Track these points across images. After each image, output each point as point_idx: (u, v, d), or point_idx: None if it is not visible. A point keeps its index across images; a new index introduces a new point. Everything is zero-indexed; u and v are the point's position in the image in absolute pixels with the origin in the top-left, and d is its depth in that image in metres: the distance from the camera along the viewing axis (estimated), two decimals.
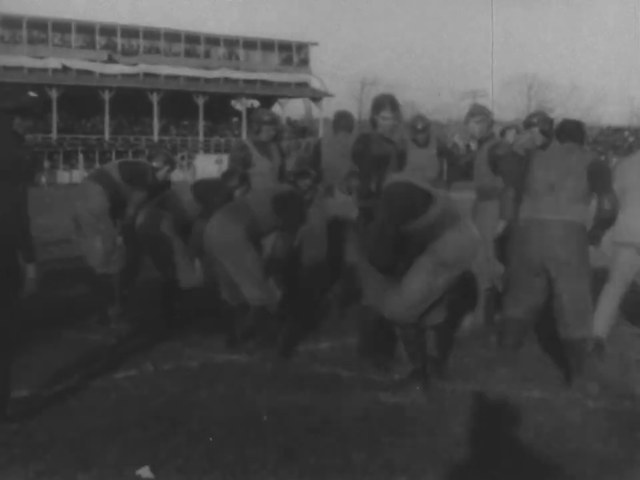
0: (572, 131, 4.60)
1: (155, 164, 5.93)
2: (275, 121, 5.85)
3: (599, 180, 4.27)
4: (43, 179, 32.26)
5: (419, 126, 5.81)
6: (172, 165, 6.11)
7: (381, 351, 4.62)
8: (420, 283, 4.08)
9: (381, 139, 4.59)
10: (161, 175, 5.92)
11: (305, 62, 42.40)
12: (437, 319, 4.26)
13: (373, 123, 4.83)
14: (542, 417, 3.85)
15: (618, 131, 39.05)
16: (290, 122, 40.55)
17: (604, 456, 3.42)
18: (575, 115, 41.06)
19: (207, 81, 39.77)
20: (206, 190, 5.52)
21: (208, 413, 3.87)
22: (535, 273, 4.35)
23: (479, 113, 5.63)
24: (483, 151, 5.53)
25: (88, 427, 3.69)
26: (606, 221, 4.30)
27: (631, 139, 37.55)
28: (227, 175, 5.53)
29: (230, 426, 3.71)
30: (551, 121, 5.29)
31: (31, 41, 36.06)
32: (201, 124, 39.65)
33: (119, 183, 5.72)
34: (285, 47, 41.96)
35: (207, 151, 38.92)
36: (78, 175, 30.11)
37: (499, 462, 3.37)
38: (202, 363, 4.75)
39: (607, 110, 62.50)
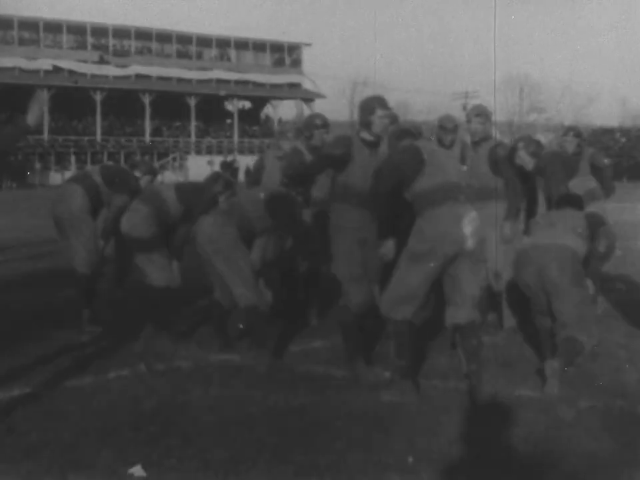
0: (572, 202, 4.89)
1: (137, 173, 5.89)
2: (327, 124, 5.65)
3: (597, 229, 4.58)
4: (35, 180, 32.17)
5: (449, 126, 5.55)
6: (154, 173, 6.11)
7: (363, 349, 4.61)
8: (396, 277, 4.10)
9: (344, 144, 4.52)
10: (142, 182, 5.87)
11: (297, 63, 42.39)
12: (457, 318, 4.11)
13: (367, 124, 4.54)
14: (534, 415, 3.86)
15: (609, 131, 39.10)
16: (281, 123, 40.56)
17: (595, 455, 3.43)
18: (567, 116, 41.23)
19: (199, 82, 39.72)
20: (189, 192, 5.43)
21: (201, 413, 3.86)
22: (536, 292, 4.48)
23: (483, 113, 5.52)
24: (482, 152, 5.47)
25: (80, 428, 3.68)
26: (600, 259, 4.58)
27: (623, 140, 37.62)
28: (211, 180, 5.44)
29: (223, 426, 3.71)
30: (537, 143, 5.34)
31: (22, 42, 35.93)
32: (193, 125, 39.59)
33: (100, 186, 5.71)
34: (277, 47, 41.94)
35: (198, 152, 38.86)
36: (70, 176, 29.97)
37: (491, 460, 3.38)
38: (195, 363, 4.75)
39: (599, 110, 62.81)
